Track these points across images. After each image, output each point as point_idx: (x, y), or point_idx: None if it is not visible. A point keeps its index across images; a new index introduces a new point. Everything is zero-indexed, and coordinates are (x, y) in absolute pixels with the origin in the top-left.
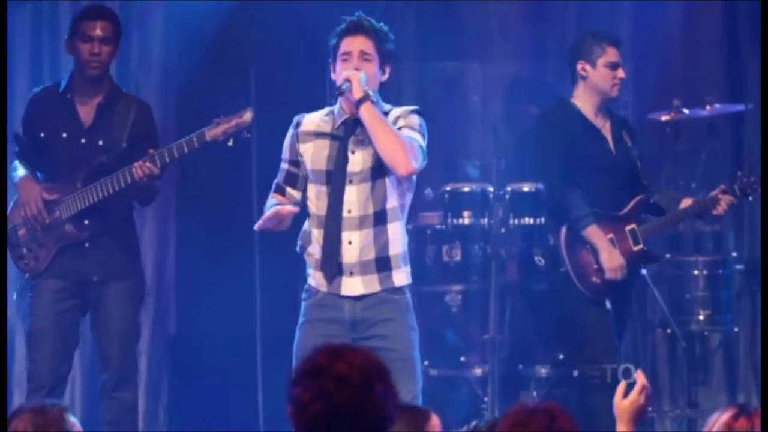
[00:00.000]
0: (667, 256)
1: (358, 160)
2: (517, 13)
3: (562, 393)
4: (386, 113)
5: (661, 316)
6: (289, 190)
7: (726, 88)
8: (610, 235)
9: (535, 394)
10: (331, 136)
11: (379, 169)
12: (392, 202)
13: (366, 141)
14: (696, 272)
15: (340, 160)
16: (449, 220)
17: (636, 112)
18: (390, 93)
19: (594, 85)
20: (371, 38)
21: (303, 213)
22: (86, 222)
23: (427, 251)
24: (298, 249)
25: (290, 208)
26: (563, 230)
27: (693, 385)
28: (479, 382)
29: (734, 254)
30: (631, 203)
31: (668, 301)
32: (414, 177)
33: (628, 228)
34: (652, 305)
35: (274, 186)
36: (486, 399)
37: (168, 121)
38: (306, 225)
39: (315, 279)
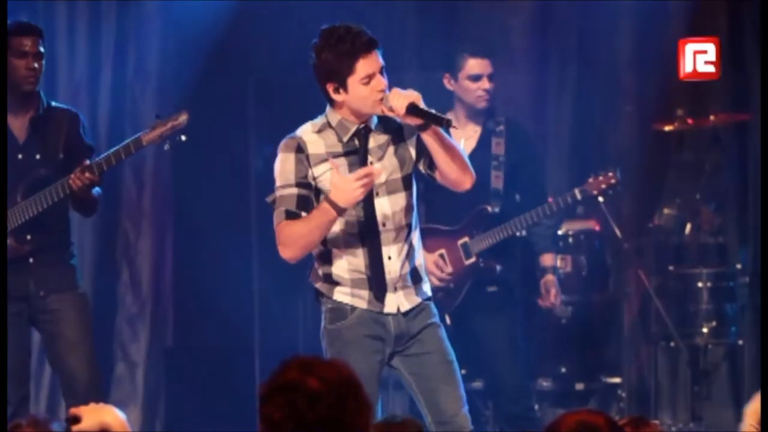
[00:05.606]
0: (671, 268)
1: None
2: (519, 22)
3: (564, 406)
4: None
5: (665, 329)
6: (304, 215)
7: (731, 98)
8: (442, 251)
9: (537, 407)
10: (345, 153)
11: (405, 180)
12: (414, 212)
13: (383, 151)
14: (700, 285)
15: None
16: None
17: (640, 122)
18: None
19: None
20: (379, 50)
21: None
22: (28, 237)
23: None
24: (313, 278)
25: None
26: None
27: (696, 399)
28: (479, 395)
29: (739, 266)
30: (468, 216)
31: (672, 314)
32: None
33: (460, 242)
34: (655, 318)
35: (284, 214)
36: (486, 412)
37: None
38: (320, 248)
39: (350, 297)
